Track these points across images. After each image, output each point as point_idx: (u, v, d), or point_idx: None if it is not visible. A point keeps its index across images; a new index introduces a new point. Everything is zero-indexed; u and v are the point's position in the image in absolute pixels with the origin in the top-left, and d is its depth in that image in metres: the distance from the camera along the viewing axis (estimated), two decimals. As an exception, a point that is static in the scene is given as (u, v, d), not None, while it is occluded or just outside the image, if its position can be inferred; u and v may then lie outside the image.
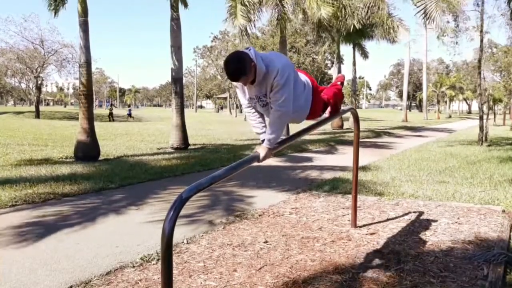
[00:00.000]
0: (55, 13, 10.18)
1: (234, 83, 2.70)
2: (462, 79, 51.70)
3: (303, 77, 2.92)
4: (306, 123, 3.28)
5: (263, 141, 2.78)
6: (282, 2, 14.35)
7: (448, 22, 12.19)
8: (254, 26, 15.80)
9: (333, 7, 14.94)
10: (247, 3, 14.18)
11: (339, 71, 24.63)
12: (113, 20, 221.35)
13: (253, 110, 2.85)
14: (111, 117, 34.04)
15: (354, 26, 18.79)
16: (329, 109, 3.36)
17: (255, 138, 3.24)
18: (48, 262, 3.34)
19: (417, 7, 11.07)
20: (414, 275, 3.03)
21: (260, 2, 14.93)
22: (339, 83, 3.54)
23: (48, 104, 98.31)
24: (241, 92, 2.81)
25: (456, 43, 12.58)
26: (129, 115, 38.19)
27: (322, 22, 15.99)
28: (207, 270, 3.17)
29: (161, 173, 7.50)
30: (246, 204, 5.34)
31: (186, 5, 12.04)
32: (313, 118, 3.23)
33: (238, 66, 2.42)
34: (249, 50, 2.52)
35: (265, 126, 2.87)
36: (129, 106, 48.96)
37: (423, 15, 10.99)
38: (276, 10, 14.63)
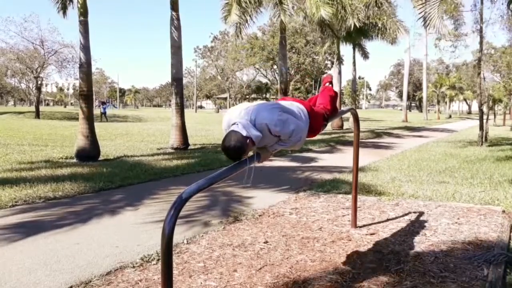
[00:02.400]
0: (64, 13, 10.15)
1: None
2: (461, 79, 51.74)
3: (295, 106, 2.91)
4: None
5: None
6: (282, 1, 14.36)
7: (447, 27, 12.18)
8: (250, 24, 15.80)
9: (332, 7, 14.96)
10: (243, 3, 14.21)
11: (339, 71, 24.63)
12: (113, 20, 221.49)
13: None
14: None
15: (355, 24, 18.77)
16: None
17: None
18: (48, 262, 3.34)
19: (417, 10, 11.08)
20: (414, 275, 3.03)
21: (259, 2, 14.94)
22: (327, 84, 3.56)
23: (48, 105, 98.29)
24: None
25: (455, 47, 12.62)
26: (103, 114, 31.63)
27: (323, 22, 16.02)
28: (207, 270, 3.17)
29: (161, 173, 7.50)
30: (246, 204, 5.34)
31: (176, 10, 11.64)
32: (316, 133, 3.24)
33: (236, 152, 2.46)
34: (238, 125, 2.53)
35: None
36: (103, 103, 36.26)
37: (423, 22, 11.02)
38: (276, 10, 14.65)
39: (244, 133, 2.49)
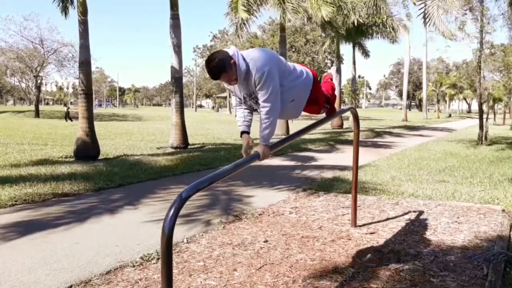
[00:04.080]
0: (65, 14, 10.22)
1: (224, 84, 2.71)
2: (461, 78, 51.72)
3: (299, 67, 2.92)
4: (305, 123, 3.28)
5: (242, 133, 2.77)
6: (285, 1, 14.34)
7: (465, 13, 11.82)
8: (251, 22, 15.79)
9: (333, 7, 14.97)
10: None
11: (339, 71, 24.62)
12: (113, 19, 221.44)
13: (242, 109, 2.82)
14: (67, 117, 29.75)
15: (355, 23, 18.77)
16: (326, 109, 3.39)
17: (255, 138, 3.20)
18: (48, 261, 3.34)
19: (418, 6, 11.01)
20: (414, 274, 3.03)
21: (261, 1, 14.92)
22: (329, 80, 3.57)
23: (47, 104, 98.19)
24: (233, 92, 2.82)
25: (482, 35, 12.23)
26: (67, 114, 30.58)
27: (325, 20, 16.01)
28: (207, 269, 3.17)
29: (160, 172, 7.50)
30: (246, 203, 5.34)
31: (176, 9, 11.66)
32: (318, 110, 3.21)
33: (218, 64, 2.47)
34: (229, 48, 2.55)
35: (248, 124, 2.82)
36: (65, 104, 34.67)
37: (423, 19, 10.93)
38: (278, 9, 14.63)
39: (231, 53, 2.50)
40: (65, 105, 33.78)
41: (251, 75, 2.55)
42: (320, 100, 3.12)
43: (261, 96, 2.59)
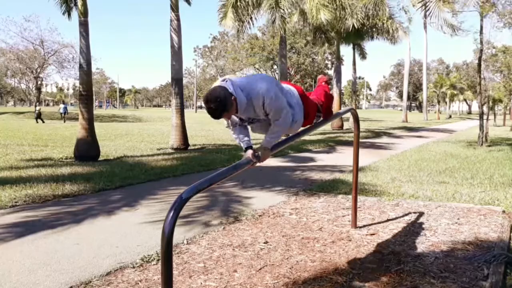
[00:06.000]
0: (69, 15, 10.26)
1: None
2: (462, 79, 51.79)
3: (285, 86, 2.93)
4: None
5: (246, 149, 2.72)
6: (279, 4, 14.34)
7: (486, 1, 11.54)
8: (251, 27, 15.86)
9: (331, 11, 14.97)
10: (238, 5, 14.26)
11: (339, 72, 24.63)
12: (113, 20, 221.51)
13: (237, 127, 2.78)
14: (39, 119, 28.21)
15: (354, 26, 18.80)
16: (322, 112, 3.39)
17: (254, 138, 3.19)
18: (48, 262, 3.34)
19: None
20: (414, 275, 3.03)
21: (257, 4, 14.90)
22: (323, 83, 3.56)
23: (48, 105, 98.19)
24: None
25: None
26: (63, 114, 30.47)
27: (321, 24, 16.06)
28: (207, 270, 3.17)
29: (161, 173, 7.50)
30: (246, 204, 5.33)
31: (189, 3, 12.11)
32: (310, 122, 3.23)
33: (220, 105, 2.37)
34: (226, 82, 2.47)
35: (249, 139, 2.80)
36: (63, 102, 34.27)
37: (424, 10, 10.83)
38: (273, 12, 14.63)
39: (231, 90, 2.43)
40: (35, 106, 32.70)
41: (255, 104, 2.54)
42: (311, 111, 3.11)
43: (273, 116, 2.63)
